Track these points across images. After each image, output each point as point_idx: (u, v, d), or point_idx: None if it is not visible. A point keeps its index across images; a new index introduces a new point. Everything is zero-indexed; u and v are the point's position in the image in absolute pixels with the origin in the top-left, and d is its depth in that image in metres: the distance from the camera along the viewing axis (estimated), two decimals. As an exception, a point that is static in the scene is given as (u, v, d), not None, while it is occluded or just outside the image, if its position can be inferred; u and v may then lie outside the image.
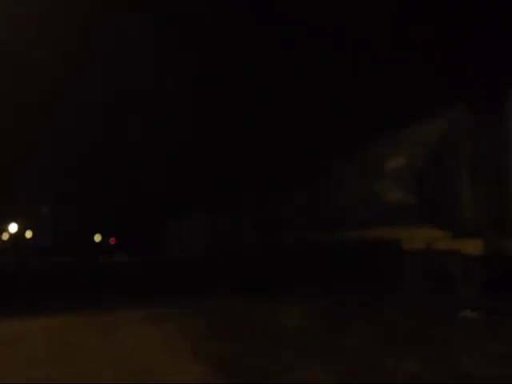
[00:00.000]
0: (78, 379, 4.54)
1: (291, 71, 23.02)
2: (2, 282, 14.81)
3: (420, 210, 9.35)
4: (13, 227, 49.75)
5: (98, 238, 48.77)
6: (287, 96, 23.85)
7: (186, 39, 28.25)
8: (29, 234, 53.02)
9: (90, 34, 25.22)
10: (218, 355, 5.27)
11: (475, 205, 8.18)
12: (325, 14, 20.08)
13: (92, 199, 37.75)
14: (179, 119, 26.84)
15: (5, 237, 52.46)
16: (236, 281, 12.28)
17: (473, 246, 7.98)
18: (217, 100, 26.35)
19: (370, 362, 4.83)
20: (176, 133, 27.49)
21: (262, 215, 18.82)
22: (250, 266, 13.49)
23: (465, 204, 8.34)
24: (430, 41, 18.87)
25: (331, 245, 12.35)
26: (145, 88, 27.28)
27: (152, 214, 34.41)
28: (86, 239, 44.48)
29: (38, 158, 33.10)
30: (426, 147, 9.29)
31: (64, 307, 9.06)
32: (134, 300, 9.73)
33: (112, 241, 48.03)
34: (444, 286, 8.45)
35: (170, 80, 26.87)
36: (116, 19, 22.08)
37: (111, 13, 21.80)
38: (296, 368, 4.68)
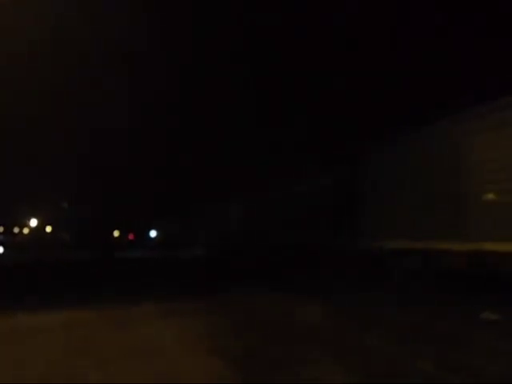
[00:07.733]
0: (96, 367, 4.62)
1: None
2: (14, 274, 15.05)
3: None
4: (33, 222, 50.49)
5: (116, 233, 49.20)
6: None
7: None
8: (48, 229, 53.80)
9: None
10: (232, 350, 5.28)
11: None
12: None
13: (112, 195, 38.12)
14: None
15: (25, 231, 53.36)
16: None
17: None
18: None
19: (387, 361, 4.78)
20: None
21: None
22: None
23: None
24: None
25: None
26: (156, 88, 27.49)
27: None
28: (105, 235, 44.86)
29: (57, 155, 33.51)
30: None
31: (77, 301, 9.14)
32: (149, 295, 9.77)
33: (131, 236, 48.35)
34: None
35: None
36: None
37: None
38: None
